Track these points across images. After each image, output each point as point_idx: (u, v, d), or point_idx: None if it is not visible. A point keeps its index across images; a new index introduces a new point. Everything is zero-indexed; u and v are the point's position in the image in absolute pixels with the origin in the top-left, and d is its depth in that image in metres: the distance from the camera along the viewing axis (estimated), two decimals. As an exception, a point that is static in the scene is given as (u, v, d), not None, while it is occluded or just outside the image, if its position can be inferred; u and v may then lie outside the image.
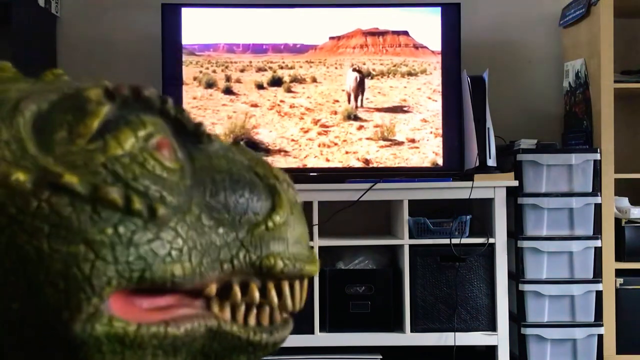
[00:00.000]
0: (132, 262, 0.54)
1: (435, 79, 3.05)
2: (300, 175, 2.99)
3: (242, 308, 0.63)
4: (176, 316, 0.58)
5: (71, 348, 0.54)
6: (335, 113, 3.04)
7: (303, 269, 0.64)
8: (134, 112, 0.59)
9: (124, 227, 0.55)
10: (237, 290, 0.61)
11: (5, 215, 0.52)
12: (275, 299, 0.64)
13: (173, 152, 0.59)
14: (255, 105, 3.04)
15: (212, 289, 0.60)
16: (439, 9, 3.06)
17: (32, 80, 0.64)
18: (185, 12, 3.04)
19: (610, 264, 2.86)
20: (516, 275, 2.85)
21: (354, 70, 3.05)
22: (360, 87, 3.05)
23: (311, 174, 3.01)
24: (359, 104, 3.05)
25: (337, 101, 3.05)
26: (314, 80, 3.05)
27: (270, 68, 3.06)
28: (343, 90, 3.06)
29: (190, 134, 0.62)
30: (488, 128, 2.93)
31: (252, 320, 0.63)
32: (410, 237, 2.85)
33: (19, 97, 0.58)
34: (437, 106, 3.04)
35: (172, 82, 3.00)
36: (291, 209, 0.65)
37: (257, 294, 0.62)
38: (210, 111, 3.02)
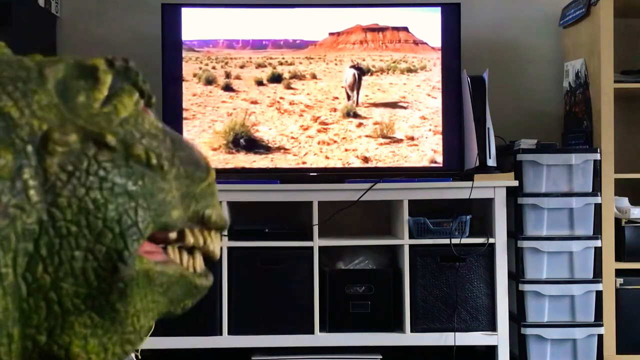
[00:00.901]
0: (156, 209, 0.63)
1: (434, 75, 3.05)
2: (300, 175, 2.99)
3: (185, 255, 0.71)
4: (160, 260, 0.66)
5: (123, 285, 0.61)
6: (335, 110, 3.04)
7: (226, 222, 0.74)
8: (120, 81, 0.66)
9: (147, 179, 0.62)
10: (190, 235, 0.70)
11: (66, 172, 0.59)
12: (211, 246, 0.73)
13: (152, 115, 0.68)
14: (255, 102, 3.04)
15: (174, 233, 0.68)
16: (439, 9, 3.06)
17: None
18: (185, 12, 3.04)
19: (610, 264, 2.86)
20: (516, 275, 2.85)
21: (352, 66, 3.05)
22: (357, 84, 3.05)
23: (311, 174, 3.01)
24: (355, 100, 3.04)
25: (337, 98, 3.05)
26: (314, 76, 3.05)
27: (270, 64, 3.06)
28: (342, 87, 3.06)
29: (145, 104, 0.70)
30: (488, 128, 2.93)
31: (198, 266, 0.72)
32: (410, 237, 2.85)
33: (38, 65, 0.63)
34: (436, 103, 3.04)
35: (172, 82, 3.00)
36: (211, 170, 0.75)
37: (201, 239, 0.72)
38: (210, 108, 3.02)
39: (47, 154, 0.58)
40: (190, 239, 0.70)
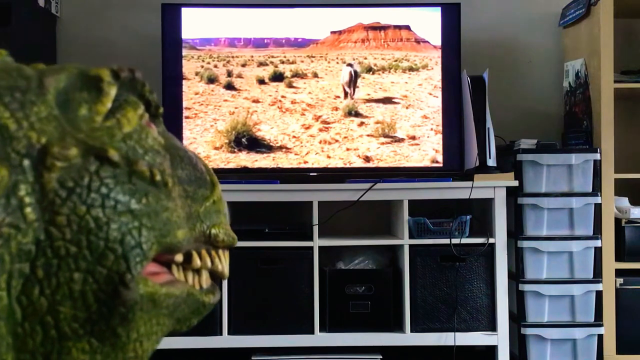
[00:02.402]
0: (161, 229, 0.60)
1: (436, 74, 3.05)
2: (301, 174, 2.99)
3: (191, 273, 0.68)
4: (166, 281, 0.63)
5: (125, 309, 0.58)
6: (336, 109, 3.04)
7: (234, 239, 0.71)
8: (124, 93, 0.63)
9: (151, 197, 0.59)
10: (197, 257, 0.67)
11: (65, 189, 0.55)
12: (220, 266, 0.70)
13: (155, 130, 0.65)
14: (256, 101, 3.04)
15: (180, 256, 0.65)
16: (439, 9, 3.06)
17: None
18: (185, 11, 3.04)
19: (610, 264, 2.86)
20: (516, 275, 2.85)
21: (348, 64, 3.05)
22: (352, 82, 3.05)
23: (311, 173, 3.01)
24: (351, 97, 3.04)
25: (338, 97, 3.05)
26: (315, 75, 3.05)
27: (272, 63, 3.05)
28: (342, 85, 3.06)
29: (151, 114, 0.67)
30: (488, 128, 2.93)
31: (204, 284, 0.69)
32: (410, 237, 2.85)
33: (39, 74, 0.59)
34: (438, 102, 3.04)
35: (172, 81, 3.00)
36: (217, 187, 0.72)
37: (209, 260, 0.69)
38: (212, 107, 3.02)
39: (45, 169, 0.55)
40: (197, 262, 0.67)
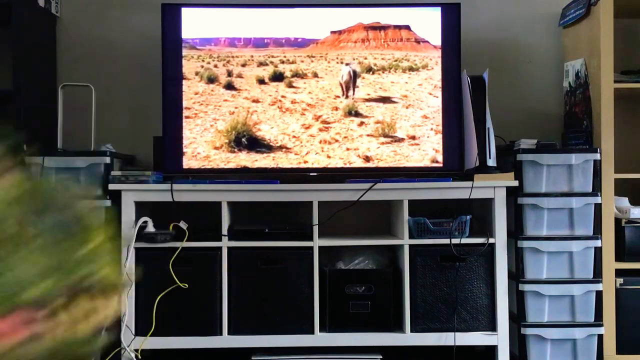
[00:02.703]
0: (6, 289, 0.56)
1: (436, 74, 3.05)
2: (301, 174, 2.99)
3: (67, 321, 0.64)
4: (28, 337, 0.59)
5: None
6: (336, 109, 3.04)
7: (121, 284, 0.67)
8: None
9: None
10: (73, 305, 0.63)
11: None
12: (104, 311, 0.66)
13: (15, 177, 0.60)
14: (256, 101, 3.04)
15: (44, 312, 0.61)
16: (439, 9, 3.06)
17: None
18: (185, 11, 3.04)
19: (610, 264, 2.86)
20: (516, 275, 2.85)
21: (347, 64, 3.05)
22: (352, 81, 3.04)
23: (311, 173, 3.01)
24: (350, 95, 3.04)
25: (338, 97, 3.05)
26: (315, 75, 3.05)
27: (272, 62, 3.05)
28: (340, 83, 3.06)
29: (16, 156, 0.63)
30: (488, 128, 2.93)
31: (86, 331, 0.65)
32: (410, 237, 2.85)
33: None
34: (438, 102, 3.04)
35: (172, 81, 3.00)
36: (99, 230, 0.67)
37: (86, 307, 0.64)
38: (212, 107, 3.02)
39: None
40: (61, 317, 0.62)
